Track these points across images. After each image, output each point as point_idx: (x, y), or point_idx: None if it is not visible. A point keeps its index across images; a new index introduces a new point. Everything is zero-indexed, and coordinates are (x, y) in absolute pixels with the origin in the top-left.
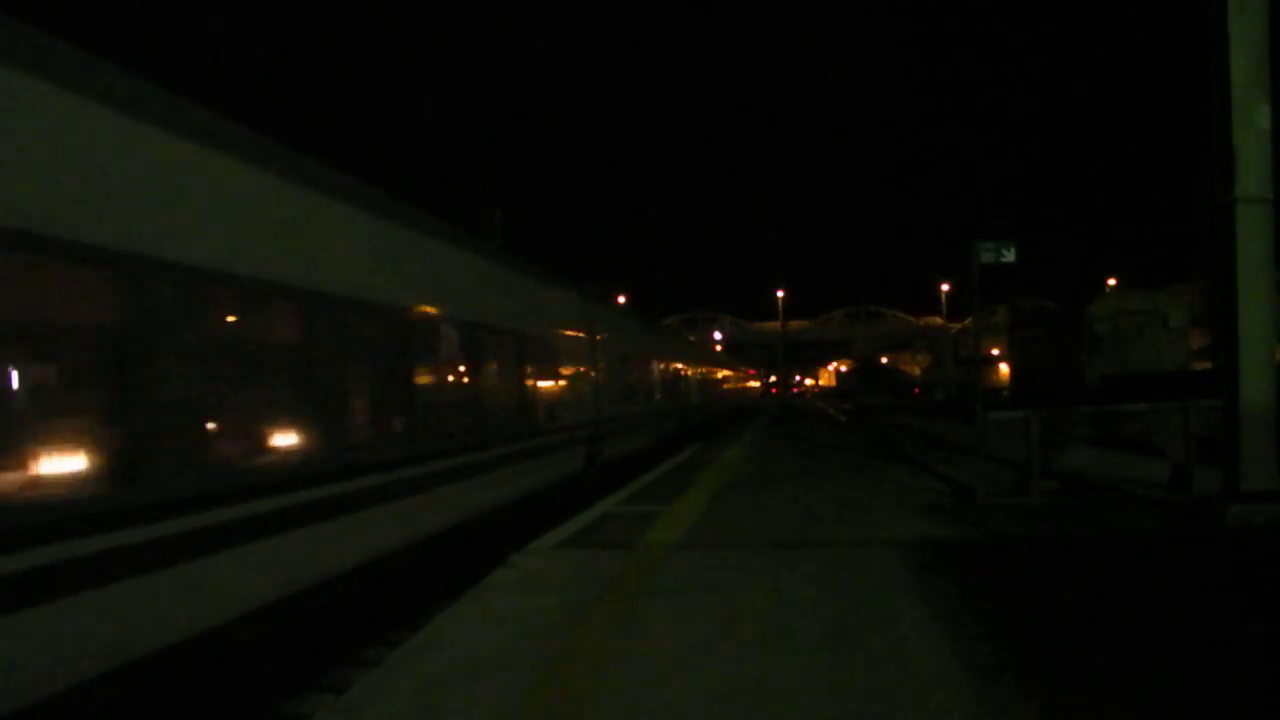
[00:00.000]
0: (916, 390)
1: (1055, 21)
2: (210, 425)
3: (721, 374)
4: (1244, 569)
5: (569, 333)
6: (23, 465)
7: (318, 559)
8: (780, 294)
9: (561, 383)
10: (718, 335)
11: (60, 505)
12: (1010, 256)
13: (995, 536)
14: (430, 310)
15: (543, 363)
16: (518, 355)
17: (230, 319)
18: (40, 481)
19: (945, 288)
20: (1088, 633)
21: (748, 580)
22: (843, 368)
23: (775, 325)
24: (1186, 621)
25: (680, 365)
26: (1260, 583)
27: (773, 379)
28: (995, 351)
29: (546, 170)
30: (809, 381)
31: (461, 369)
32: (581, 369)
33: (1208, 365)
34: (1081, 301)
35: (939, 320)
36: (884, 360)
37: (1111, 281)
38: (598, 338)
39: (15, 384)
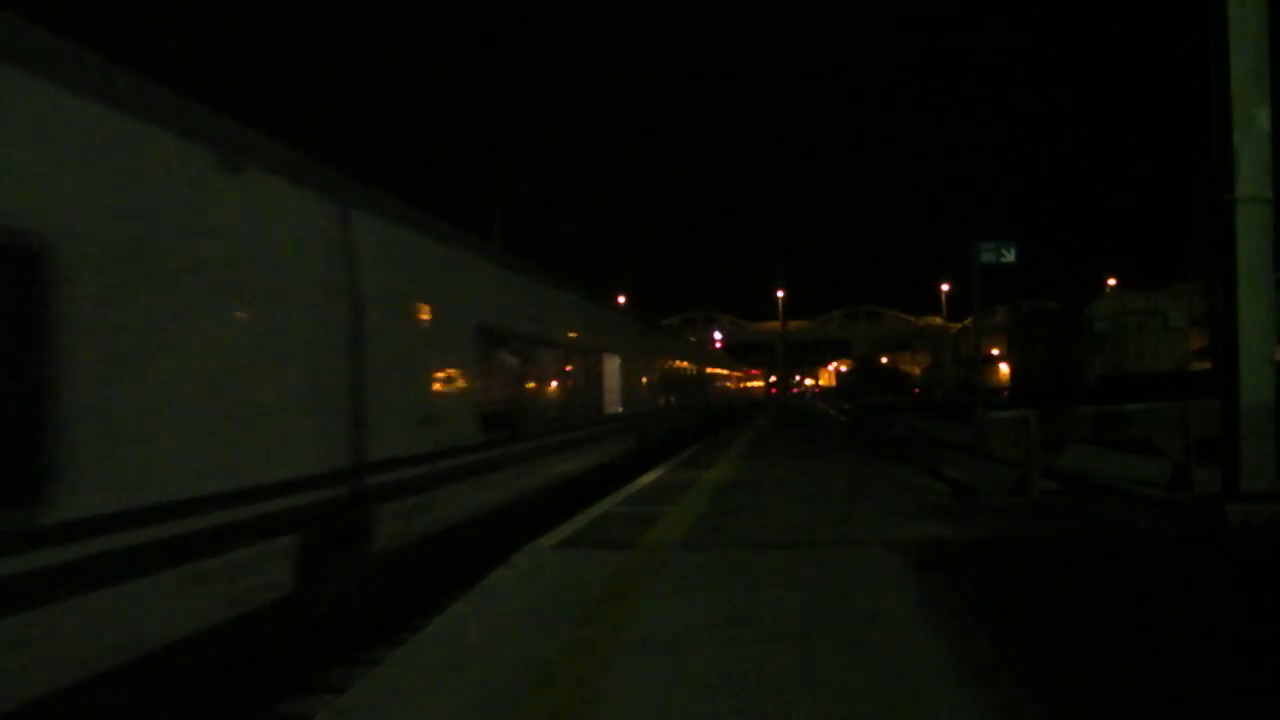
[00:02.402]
0: (916, 390)
1: (1056, 20)
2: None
3: (726, 374)
4: (1244, 569)
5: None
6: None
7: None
8: (780, 294)
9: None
10: (717, 335)
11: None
12: (1010, 256)
13: (995, 536)
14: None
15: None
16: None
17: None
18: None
19: (945, 288)
20: (1088, 632)
21: (748, 580)
22: (843, 368)
23: (775, 325)
24: (1186, 621)
25: (698, 368)
26: (1260, 582)
27: (773, 379)
28: (995, 351)
29: (545, 169)
30: (809, 382)
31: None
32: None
33: (1208, 365)
34: (1081, 301)
35: (939, 320)
36: (884, 360)
37: (1111, 281)
38: (685, 360)
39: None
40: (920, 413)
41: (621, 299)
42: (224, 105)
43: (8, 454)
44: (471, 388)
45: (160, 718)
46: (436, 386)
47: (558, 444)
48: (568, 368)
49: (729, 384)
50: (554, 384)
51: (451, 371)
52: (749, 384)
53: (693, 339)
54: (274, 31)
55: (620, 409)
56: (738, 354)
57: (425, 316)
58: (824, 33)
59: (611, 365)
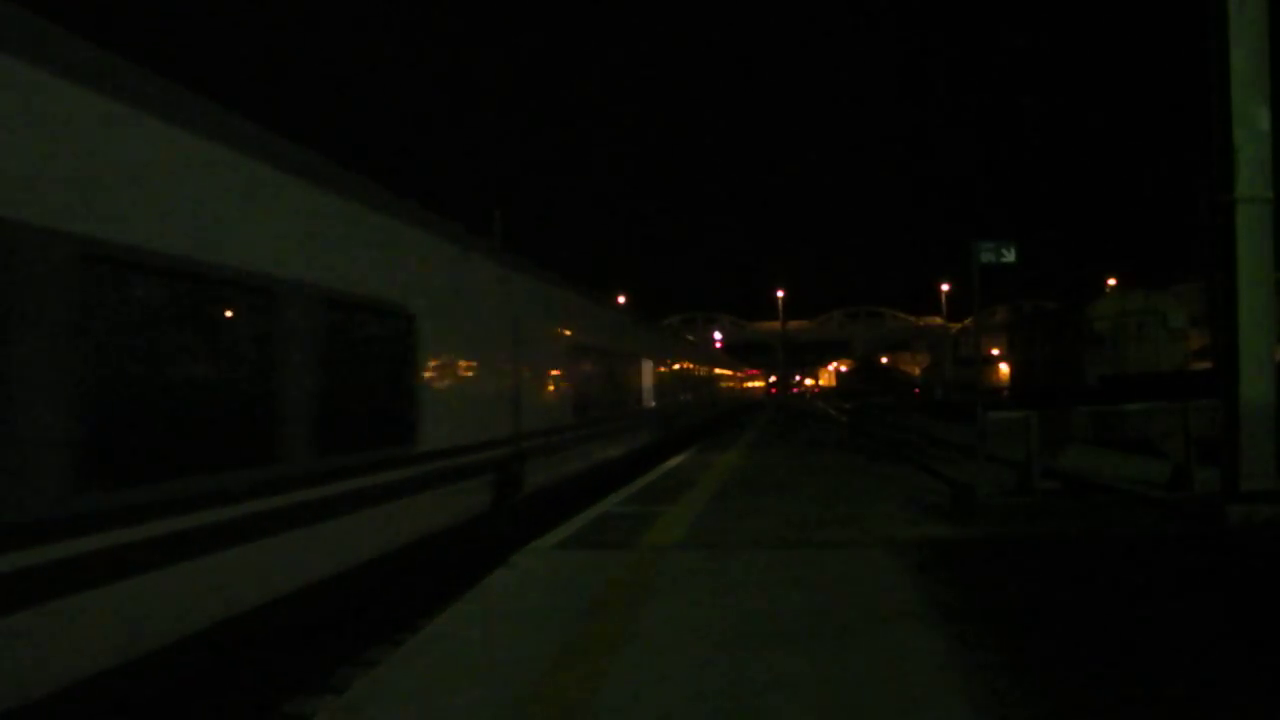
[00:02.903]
0: (917, 390)
1: (1056, 19)
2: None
3: (731, 374)
4: (1244, 569)
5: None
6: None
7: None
8: (780, 294)
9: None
10: (718, 335)
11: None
12: (1010, 256)
13: (995, 536)
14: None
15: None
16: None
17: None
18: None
19: (945, 288)
20: (1087, 632)
21: (748, 580)
22: (843, 368)
23: (775, 325)
24: (1186, 621)
25: (708, 370)
26: (1261, 583)
27: (773, 379)
28: (995, 351)
29: (545, 169)
30: (809, 381)
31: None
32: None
33: (1208, 365)
34: (1081, 301)
35: (939, 320)
36: (884, 360)
37: (1111, 281)
38: (691, 362)
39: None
40: (920, 412)
41: (621, 299)
42: (221, 96)
43: (405, 420)
44: (568, 387)
45: (160, 716)
46: (551, 386)
47: (617, 428)
48: (623, 371)
49: (732, 384)
50: (614, 384)
51: (558, 375)
52: (750, 384)
53: (691, 338)
54: (277, 27)
55: (654, 404)
56: (738, 354)
57: (544, 337)
58: (824, 32)
59: (648, 369)
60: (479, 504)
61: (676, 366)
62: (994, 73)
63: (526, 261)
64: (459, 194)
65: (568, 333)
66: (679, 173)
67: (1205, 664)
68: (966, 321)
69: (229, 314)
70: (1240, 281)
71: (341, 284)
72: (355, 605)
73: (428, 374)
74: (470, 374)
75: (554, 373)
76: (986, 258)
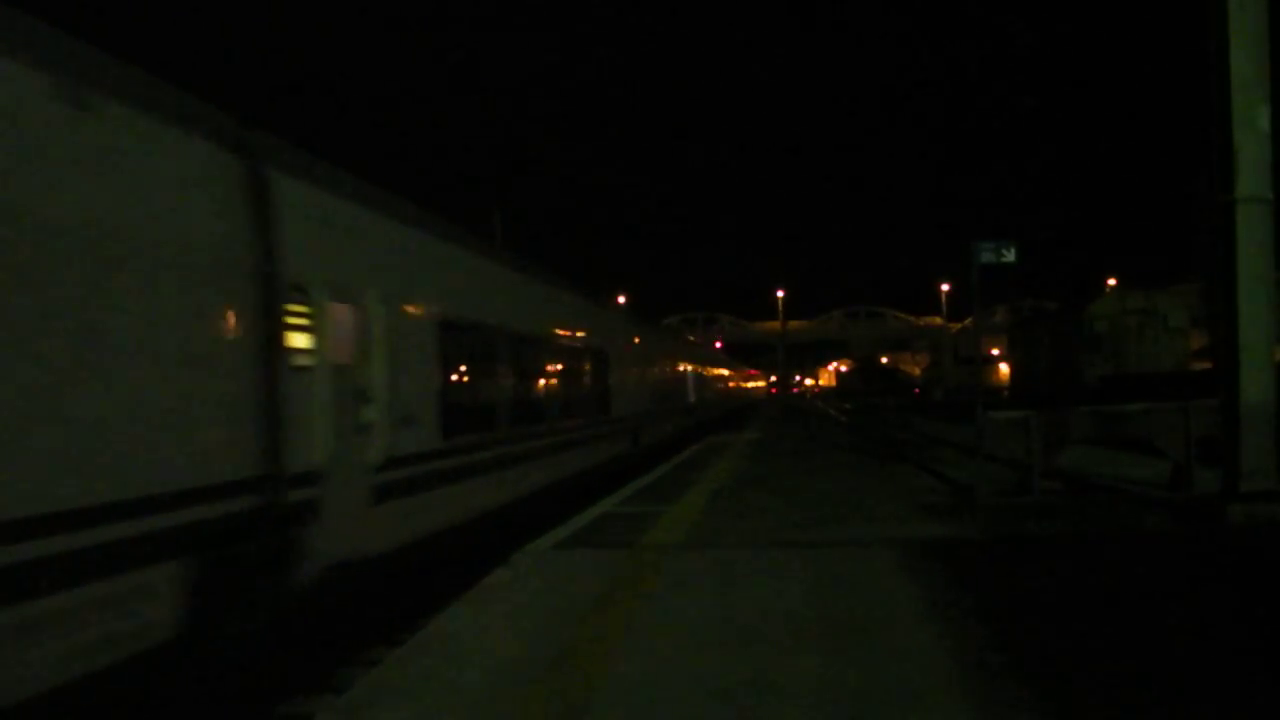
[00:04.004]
0: (916, 390)
1: (1056, 19)
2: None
3: (737, 374)
4: (1244, 569)
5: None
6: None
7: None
8: (780, 294)
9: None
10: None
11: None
12: (1010, 256)
13: (995, 536)
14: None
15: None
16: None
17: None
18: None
19: (945, 288)
20: (1088, 632)
21: (748, 580)
22: (843, 368)
23: (775, 325)
24: (1187, 620)
25: (715, 371)
26: (1260, 582)
27: (773, 379)
28: (995, 351)
29: (544, 164)
30: (809, 381)
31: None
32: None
33: (1208, 365)
34: (1081, 301)
35: (939, 320)
36: (884, 360)
37: (1111, 281)
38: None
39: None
40: (920, 413)
41: (621, 299)
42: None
43: (603, 408)
44: (653, 386)
45: (161, 717)
46: (648, 385)
47: (674, 413)
48: (676, 375)
49: (736, 384)
50: (673, 384)
51: (649, 378)
52: (751, 384)
53: (691, 338)
54: (278, 25)
55: (692, 399)
56: (738, 354)
57: (648, 356)
58: (824, 32)
59: (688, 372)
60: (624, 447)
61: (703, 371)
62: (995, 72)
63: (644, 317)
64: (456, 186)
65: (656, 351)
66: (679, 171)
67: (1205, 664)
68: (966, 321)
69: (604, 362)
70: (1240, 281)
71: (597, 343)
72: (590, 481)
73: (611, 380)
74: (622, 379)
75: (647, 377)
76: (986, 258)
